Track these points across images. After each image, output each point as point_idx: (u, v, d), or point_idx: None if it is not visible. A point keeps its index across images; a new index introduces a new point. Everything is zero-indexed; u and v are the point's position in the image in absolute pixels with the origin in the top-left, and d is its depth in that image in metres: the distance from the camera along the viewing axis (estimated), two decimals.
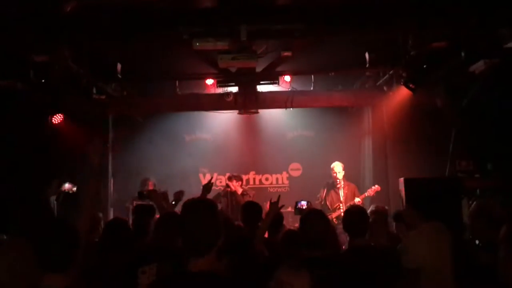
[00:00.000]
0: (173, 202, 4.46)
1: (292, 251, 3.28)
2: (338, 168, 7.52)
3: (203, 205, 2.20)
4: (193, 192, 4.44)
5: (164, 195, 4.42)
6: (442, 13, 5.32)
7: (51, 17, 5.12)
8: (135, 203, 6.63)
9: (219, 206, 7.01)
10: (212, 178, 5.80)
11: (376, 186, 7.42)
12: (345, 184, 7.44)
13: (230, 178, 8.31)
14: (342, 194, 7.34)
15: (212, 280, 2.02)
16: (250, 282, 2.17)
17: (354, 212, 3.60)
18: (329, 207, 7.39)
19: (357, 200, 7.22)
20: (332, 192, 7.52)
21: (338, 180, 7.44)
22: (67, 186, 6.24)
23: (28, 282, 2.03)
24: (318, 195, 7.73)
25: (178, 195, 4.56)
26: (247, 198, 7.65)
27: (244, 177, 9.86)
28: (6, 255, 1.98)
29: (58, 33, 5.39)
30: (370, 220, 4.25)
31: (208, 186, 4.39)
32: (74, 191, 5.79)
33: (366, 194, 7.38)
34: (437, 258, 3.61)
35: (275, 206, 3.77)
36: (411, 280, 3.52)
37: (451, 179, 6.25)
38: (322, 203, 7.53)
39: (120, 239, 3.38)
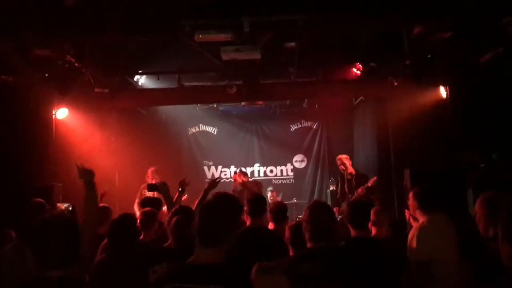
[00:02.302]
0: (180, 189, 4.45)
1: (298, 242, 3.29)
2: (344, 160, 7.55)
3: (225, 198, 2.21)
4: (198, 185, 4.43)
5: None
6: (446, 2, 5.28)
7: (53, 12, 5.11)
8: (144, 193, 6.73)
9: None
10: (218, 177, 5.81)
11: (374, 177, 7.37)
12: (356, 176, 7.44)
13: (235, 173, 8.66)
14: (353, 185, 7.34)
15: (218, 270, 2.03)
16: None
17: (357, 205, 3.61)
18: (342, 198, 7.43)
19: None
20: (344, 183, 7.54)
21: (345, 172, 7.47)
22: (64, 206, 6.17)
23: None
24: (333, 188, 7.81)
25: (183, 183, 4.54)
26: (245, 190, 7.70)
27: (249, 170, 9.89)
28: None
29: (60, 27, 5.38)
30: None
31: (213, 184, 4.41)
32: (70, 210, 5.68)
33: (368, 184, 7.36)
34: (445, 250, 3.62)
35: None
36: (419, 273, 3.52)
37: (456, 170, 6.23)
38: (338, 195, 7.58)
39: (127, 235, 3.38)
